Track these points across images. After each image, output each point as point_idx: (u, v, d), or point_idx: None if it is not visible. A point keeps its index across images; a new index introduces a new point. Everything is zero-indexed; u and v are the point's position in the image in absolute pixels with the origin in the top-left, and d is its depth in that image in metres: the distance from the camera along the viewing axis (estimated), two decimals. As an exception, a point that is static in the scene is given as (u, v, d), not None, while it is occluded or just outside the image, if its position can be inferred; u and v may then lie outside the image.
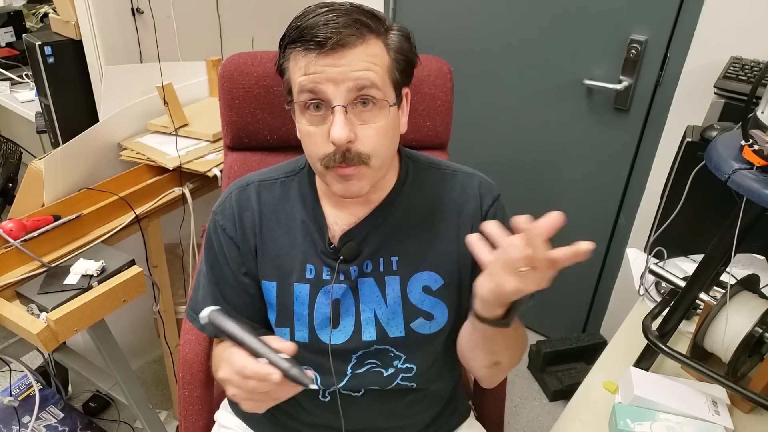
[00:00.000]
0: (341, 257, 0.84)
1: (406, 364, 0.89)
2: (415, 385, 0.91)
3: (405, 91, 0.80)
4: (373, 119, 0.74)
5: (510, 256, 0.62)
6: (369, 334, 0.86)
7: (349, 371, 0.88)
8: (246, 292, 0.89)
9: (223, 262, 0.88)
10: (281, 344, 0.66)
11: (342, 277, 0.86)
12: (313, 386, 0.65)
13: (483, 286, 0.67)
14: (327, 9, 0.72)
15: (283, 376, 0.64)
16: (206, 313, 0.70)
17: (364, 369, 0.89)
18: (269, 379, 0.64)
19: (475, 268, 0.88)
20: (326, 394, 0.91)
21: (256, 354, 0.66)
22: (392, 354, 0.88)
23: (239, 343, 0.67)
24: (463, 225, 0.87)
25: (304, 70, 0.71)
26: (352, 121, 0.72)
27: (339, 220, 0.86)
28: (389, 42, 0.75)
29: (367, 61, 0.71)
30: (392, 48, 0.75)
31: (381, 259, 0.86)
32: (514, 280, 0.63)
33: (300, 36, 0.71)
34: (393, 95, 0.76)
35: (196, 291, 0.92)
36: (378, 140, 0.75)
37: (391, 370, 0.89)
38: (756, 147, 0.72)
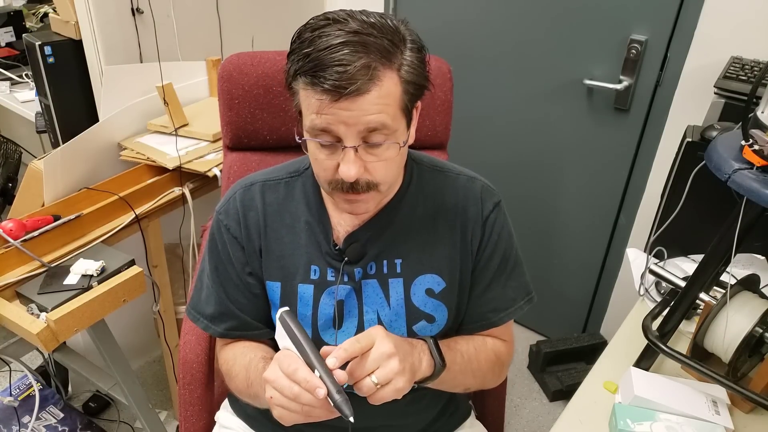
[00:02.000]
0: (346, 258, 0.85)
1: None
2: (416, 384, 0.91)
3: (416, 104, 0.78)
4: (382, 154, 0.74)
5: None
6: None
7: None
8: (250, 292, 0.89)
9: (227, 262, 0.88)
10: (337, 371, 0.67)
11: (346, 279, 0.86)
12: (351, 419, 0.66)
13: None
14: (339, 42, 0.66)
15: (327, 396, 0.65)
16: (279, 312, 0.72)
17: None
18: (315, 393, 0.64)
19: (474, 271, 0.89)
20: None
21: (311, 366, 0.67)
22: None
23: (300, 350, 0.68)
24: (464, 228, 0.88)
25: (317, 110, 0.69)
26: (361, 158, 0.72)
27: (343, 221, 0.86)
28: (402, 73, 0.71)
29: (380, 103, 0.69)
30: (404, 78, 0.72)
31: (385, 261, 0.86)
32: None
33: (312, 71, 0.67)
34: (404, 124, 0.75)
35: (198, 291, 0.92)
36: (387, 171, 0.76)
37: None
38: (756, 147, 0.72)
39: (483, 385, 0.93)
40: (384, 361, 0.70)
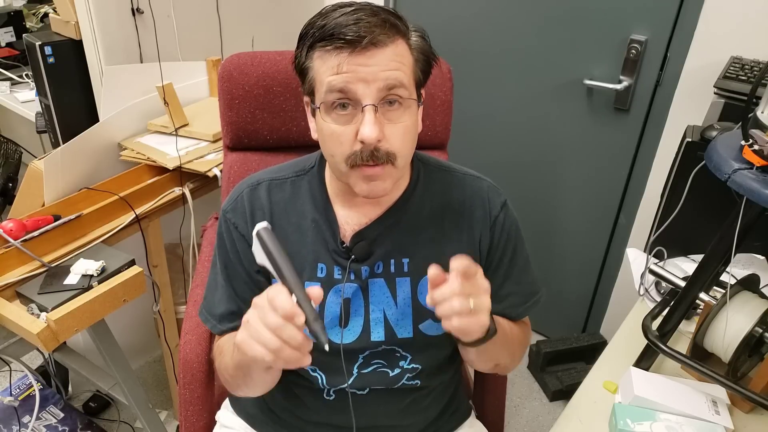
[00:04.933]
0: (353, 256, 0.85)
1: (412, 365, 0.89)
2: (420, 383, 0.91)
3: (422, 90, 0.80)
4: (399, 118, 0.74)
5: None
6: (377, 335, 0.87)
7: (355, 371, 0.89)
8: (260, 290, 0.87)
9: (235, 260, 0.88)
10: (311, 289, 0.65)
11: (353, 277, 0.86)
12: (326, 348, 0.63)
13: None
14: (352, 9, 0.71)
15: (305, 324, 0.62)
16: (259, 227, 0.67)
17: (370, 369, 0.89)
18: (293, 320, 0.62)
19: (486, 271, 0.89)
20: (331, 393, 0.91)
21: (290, 289, 0.64)
22: (398, 354, 0.89)
23: (278, 271, 0.65)
24: (470, 229, 0.88)
25: (336, 69, 0.71)
26: (380, 120, 0.72)
27: (350, 219, 0.86)
28: (411, 42, 0.75)
29: (396, 60, 0.72)
30: (414, 48, 0.76)
31: (392, 261, 0.86)
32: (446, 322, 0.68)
33: (330, 35, 0.70)
34: (416, 94, 0.77)
35: (212, 291, 0.92)
36: (404, 139, 0.75)
37: (397, 371, 0.89)
38: (756, 147, 0.72)
39: (510, 363, 0.92)
40: (483, 294, 0.68)
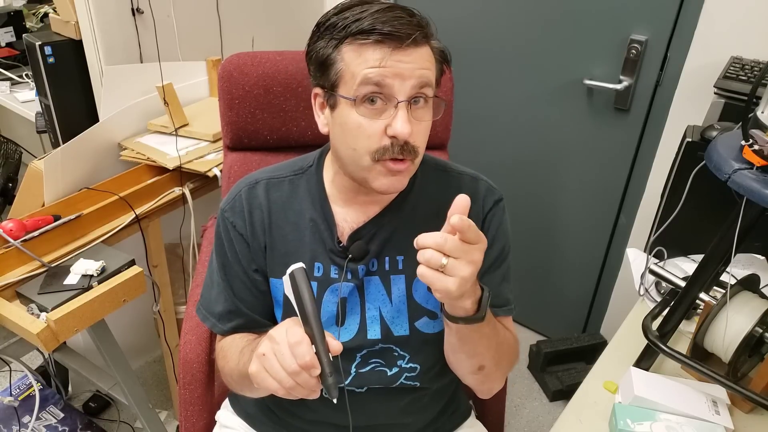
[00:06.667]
0: (350, 256, 0.85)
1: (410, 364, 0.89)
2: (419, 384, 0.91)
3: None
4: (424, 116, 0.76)
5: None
6: (374, 333, 0.87)
7: (353, 370, 0.89)
8: (257, 289, 0.89)
9: (233, 260, 0.88)
10: (331, 340, 0.65)
11: (350, 276, 0.86)
12: (334, 401, 0.65)
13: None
14: (387, 6, 0.73)
15: (319, 376, 0.64)
16: (294, 267, 0.66)
17: (368, 368, 0.89)
18: (309, 372, 0.63)
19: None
20: None
21: (312, 337, 0.64)
22: (396, 353, 0.89)
23: (304, 317, 0.65)
24: None
25: (377, 63, 0.71)
26: (410, 116, 0.74)
27: (348, 218, 0.86)
28: (434, 46, 0.78)
29: (428, 60, 0.75)
30: (435, 53, 0.78)
31: (387, 258, 0.86)
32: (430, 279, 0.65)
33: (370, 28, 0.71)
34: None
35: (209, 289, 0.92)
36: (425, 137, 0.78)
37: (395, 370, 0.89)
38: (756, 147, 0.72)
39: (496, 367, 0.85)
40: (466, 262, 0.64)
